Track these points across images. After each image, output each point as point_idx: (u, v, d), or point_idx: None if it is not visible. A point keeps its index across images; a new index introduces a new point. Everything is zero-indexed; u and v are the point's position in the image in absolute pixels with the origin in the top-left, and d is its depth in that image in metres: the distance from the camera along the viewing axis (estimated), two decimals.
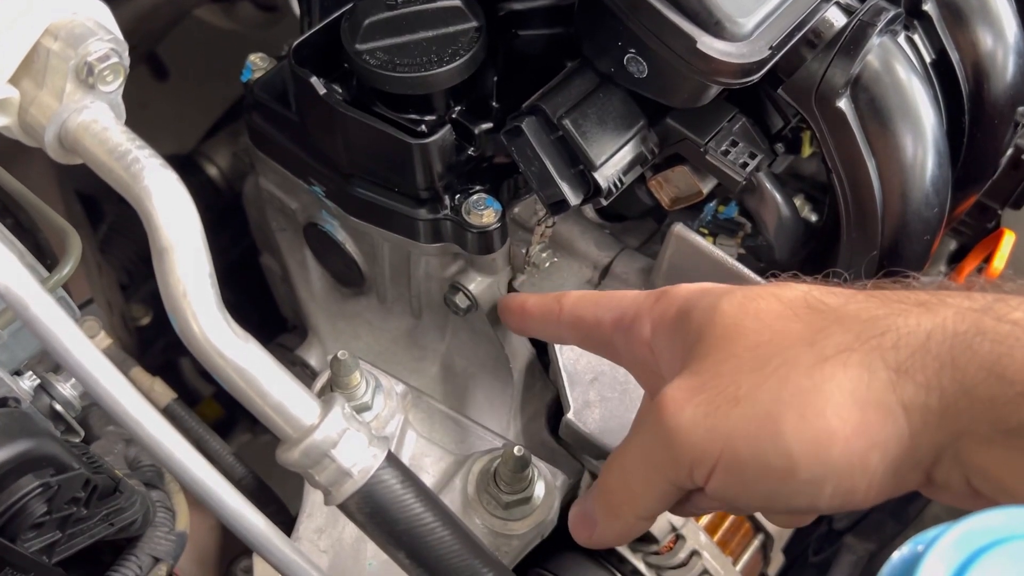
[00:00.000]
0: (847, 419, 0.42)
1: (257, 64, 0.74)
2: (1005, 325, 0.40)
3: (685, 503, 0.51)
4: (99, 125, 0.46)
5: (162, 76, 1.31)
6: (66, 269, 0.53)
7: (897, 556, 0.39)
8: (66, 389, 0.58)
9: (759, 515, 0.87)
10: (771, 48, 0.57)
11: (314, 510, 0.68)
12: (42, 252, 0.78)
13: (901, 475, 0.43)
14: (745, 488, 0.45)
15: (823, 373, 0.43)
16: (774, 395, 0.43)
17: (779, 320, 0.45)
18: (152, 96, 1.30)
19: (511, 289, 0.74)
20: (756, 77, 0.59)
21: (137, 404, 0.42)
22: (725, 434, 0.44)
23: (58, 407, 0.57)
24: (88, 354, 0.41)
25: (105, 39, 0.45)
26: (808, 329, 0.44)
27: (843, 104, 0.62)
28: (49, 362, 0.63)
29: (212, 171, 1.14)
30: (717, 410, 0.44)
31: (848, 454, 0.42)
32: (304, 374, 0.81)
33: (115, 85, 0.47)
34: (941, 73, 0.68)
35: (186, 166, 1.12)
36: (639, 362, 0.54)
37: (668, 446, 0.46)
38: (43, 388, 0.57)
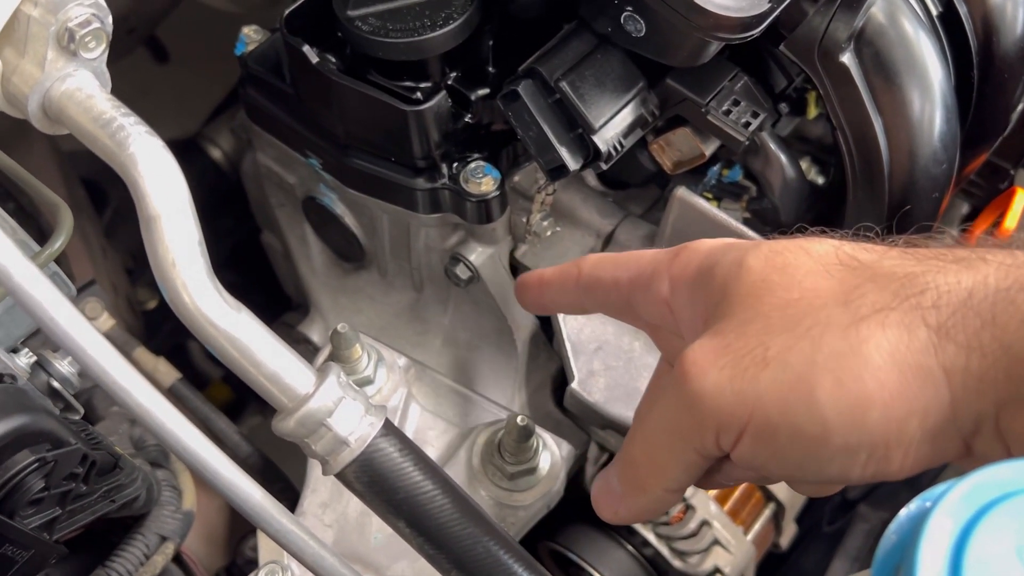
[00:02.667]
0: (885, 383, 0.39)
1: (251, 37, 0.73)
2: None
3: (715, 473, 0.49)
4: (83, 93, 0.45)
5: (162, 59, 1.30)
6: (57, 243, 0.52)
7: (904, 513, 0.38)
8: (64, 366, 0.58)
9: (770, 486, 0.86)
10: (771, 1, 0.56)
11: (318, 485, 0.68)
12: (45, 236, 0.78)
13: (940, 445, 0.41)
14: (775, 455, 0.42)
15: (859, 334, 0.40)
16: (807, 357, 0.41)
17: (809, 277, 0.43)
18: (153, 81, 1.29)
19: (512, 259, 0.73)
20: (756, 32, 0.57)
21: (124, 372, 0.41)
22: (754, 398, 0.41)
23: (56, 384, 0.57)
24: (74, 323, 0.40)
25: (86, 4, 0.44)
26: (841, 287, 0.42)
27: (847, 59, 0.60)
28: (47, 340, 0.63)
29: (216, 154, 1.14)
30: (744, 372, 0.42)
31: (885, 421, 0.40)
32: (307, 351, 0.80)
33: (98, 52, 0.46)
34: (948, 26, 0.67)
35: (189, 149, 1.12)
36: (657, 323, 0.52)
37: (692, 412, 0.43)
38: (40, 365, 0.57)
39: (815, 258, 0.44)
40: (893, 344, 0.40)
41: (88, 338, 0.41)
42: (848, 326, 0.41)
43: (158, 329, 1.08)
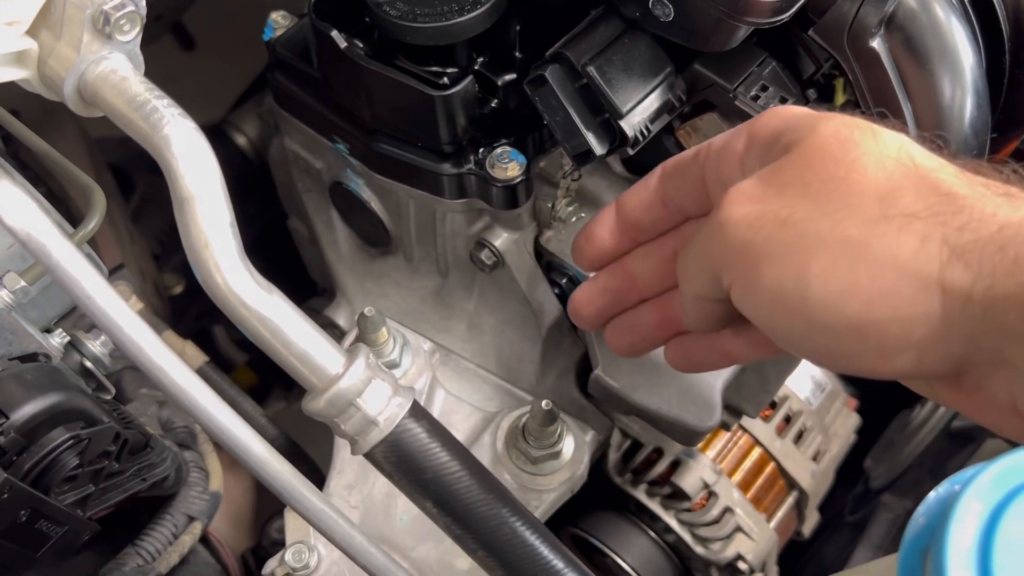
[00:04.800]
0: (877, 280, 0.41)
1: (279, 22, 0.74)
2: None
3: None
4: (118, 76, 0.46)
5: (188, 46, 1.31)
6: (91, 224, 0.53)
7: (933, 496, 0.38)
8: (96, 346, 0.59)
9: (793, 474, 0.86)
10: None
11: (344, 466, 0.68)
12: (74, 221, 0.79)
13: (924, 362, 0.42)
14: (757, 310, 0.46)
15: (876, 230, 0.42)
16: (820, 234, 0.43)
17: (863, 158, 0.44)
18: (179, 67, 1.30)
19: (537, 245, 0.73)
20: (786, 16, 0.57)
21: (159, 350, 0.41)
22: (757, 249, 0.44)
23: (88, 364, 0.58)
24: (109, 300, 0.41)
25: None
26: (887, 183, 0.43)
27: (877, 44, 0.60)
28: (80, 320, 0.64)
29: (241, 140, 1.14)
30: (763, 226, 0.44)
31: (860, 314, 0.41)
32: (333, 335, 0.81)
33: (132, 35, 0.46)
34: (980, 11, 0.66)
35: (214, 136, 1.12)
36: (722, 185, 0.52)
37: (716, 235, 0.47)
38: (73, 345, 0.58)
39: (880, 144, 0.45)
40: (902, 248, 0.41)
41: (124, 317, 0.42)
42: (871, 219, 0.42)
43: (183, 314, 1.09)
